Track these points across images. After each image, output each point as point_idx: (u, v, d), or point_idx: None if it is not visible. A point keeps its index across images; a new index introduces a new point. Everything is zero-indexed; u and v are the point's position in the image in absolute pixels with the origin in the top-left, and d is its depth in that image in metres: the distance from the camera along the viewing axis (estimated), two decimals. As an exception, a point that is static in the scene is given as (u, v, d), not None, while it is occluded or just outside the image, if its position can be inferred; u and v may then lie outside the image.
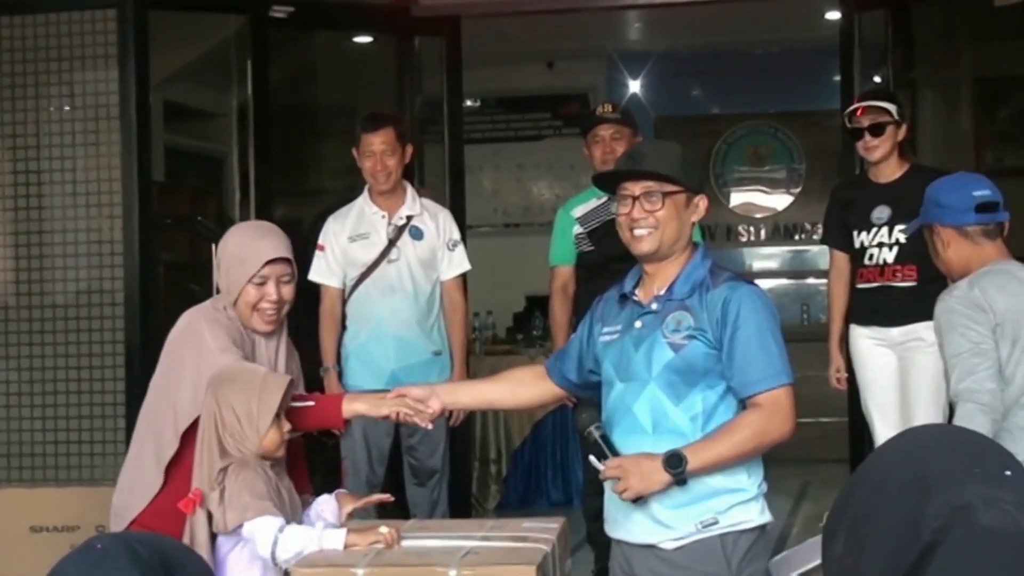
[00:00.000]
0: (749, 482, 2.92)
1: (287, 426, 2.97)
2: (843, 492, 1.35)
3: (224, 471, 2.90)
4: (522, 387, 3.29)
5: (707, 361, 2.88)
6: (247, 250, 3.22)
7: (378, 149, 4.77)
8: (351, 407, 3.24)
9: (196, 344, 3.17)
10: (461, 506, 6.06)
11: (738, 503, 2.91)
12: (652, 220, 2.95)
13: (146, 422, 3.28)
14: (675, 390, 2.89)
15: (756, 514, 2.94)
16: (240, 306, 3.22)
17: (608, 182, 3.12)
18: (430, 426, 3.30)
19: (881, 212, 4.71)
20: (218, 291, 3.36)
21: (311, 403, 3.19)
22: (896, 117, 4.71)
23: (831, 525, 1.33)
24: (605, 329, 3.06)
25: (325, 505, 3.12)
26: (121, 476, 3.33)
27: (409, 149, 4.89)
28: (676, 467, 2.81)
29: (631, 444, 2.92)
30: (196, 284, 7.25)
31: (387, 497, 3.28)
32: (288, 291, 3.25)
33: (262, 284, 3.20)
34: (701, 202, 3.03)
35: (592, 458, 2.94)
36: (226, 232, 3.36)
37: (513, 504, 7.13)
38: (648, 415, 2.91)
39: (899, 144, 4.74)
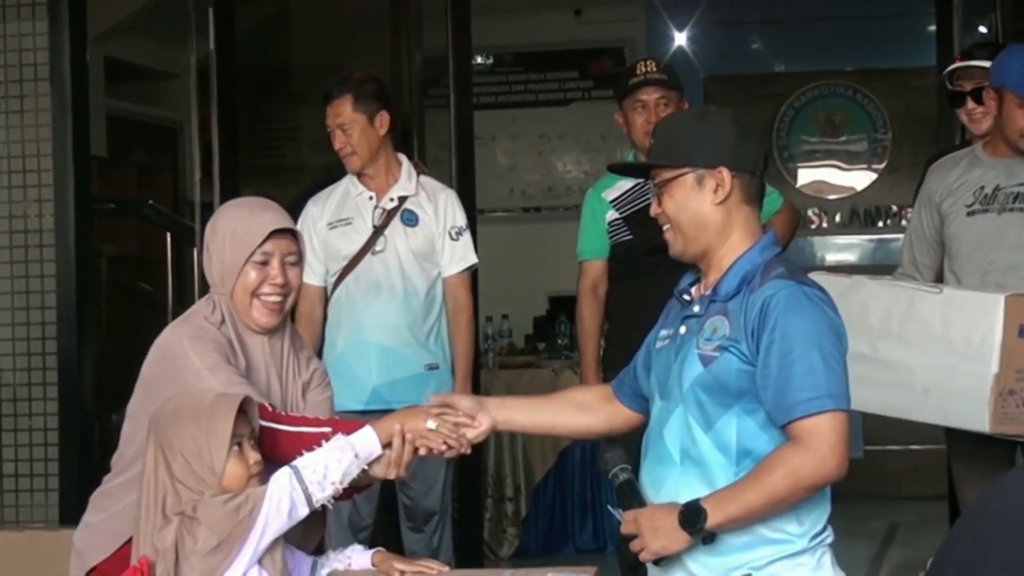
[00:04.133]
0: (799, 531, 2.86)
1: (253, 456, 2.91)
2: (948, 537, 1.34)
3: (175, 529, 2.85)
4: (585, 411, 3.26)
5: (741, 379, 2.84)
6: (244, 225, 3.21)
7: (335, 123, 4.82)
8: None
9: (177, 368, 3.13)
10: (470, 554, 6.03)
11: (781, 557, 2.85)
12: (664, 217, 2.98)
13: (124, 454, 3.25)
14: (705, 413, 2.86)
15: (808, 571, 2.87)
16: (237, 295, 3.20)
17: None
18: (466, 449, 3.12)
19: (987, 193, 4.69)
20: (202, 294, 3.33)
21: (327, 428, 3.09)
22: None
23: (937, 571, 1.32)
24: (662, 332, 3.06)
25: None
26: (88, 512, 3.32)
27: (384, 116, 4.85)
28: (692, 523, 2.78)
29: (659, 476, 2.91)
30: (147, 282, 7.25)
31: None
32: (295, 275, 3.23)
33: (264, 264, 3.18)
34: (718, 175, 2.93)
35: (610, 508, 2.94)
36: (215, 212, 3.35)
37: (533, 551, 7.10)
38: (676, 441, 2.89)
39: None
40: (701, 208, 2.93)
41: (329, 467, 2.86)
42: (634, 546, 2.84)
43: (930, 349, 3.83)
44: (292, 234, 3.23)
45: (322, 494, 2.84)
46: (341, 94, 4.81)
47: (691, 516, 2.77)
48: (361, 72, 4.97)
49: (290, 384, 3.30)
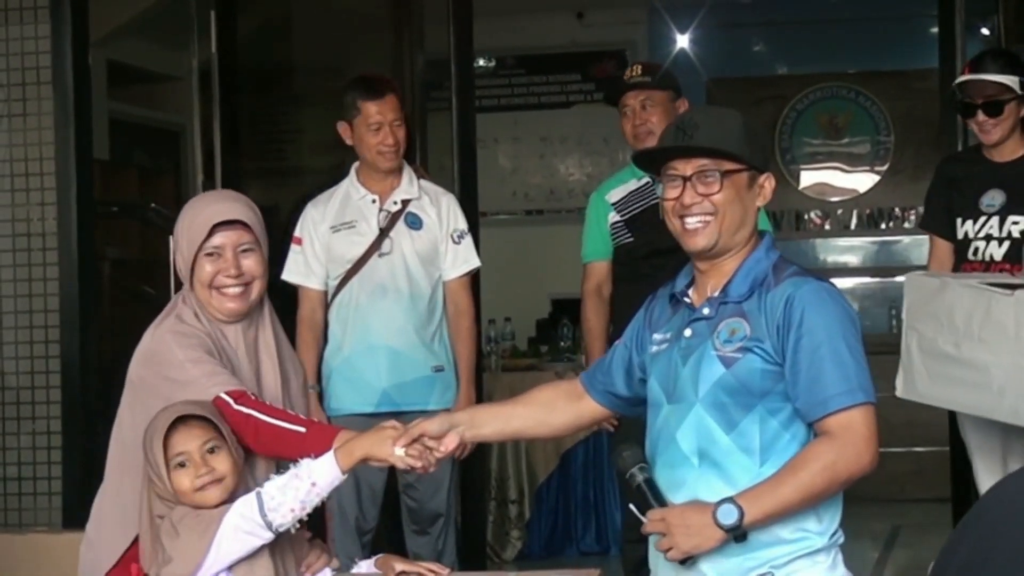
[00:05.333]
0: (819, 529, 2.88)
1: (203, 468, 2.89)
2: (950, 539, 1.33)
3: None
4: (554, 411, 3.23)
5: (765, 380, 2.84)
6: (196, 220, 3.20)
7: (388, 119, 4.80)
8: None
9: (162, 363, 3.14)
10: (474, 557, 6.02)
11: (802, 555, 2.86)
12: (708, 205, 2.91)
13: (117, 462, 3.24)
14: (726, 414, 2.86)
15: (825, 570, 2.88)
16: (197, 288, 3.19)
17: (651, 161, 3.07)
18: (434, 468, 3.18)
19: (993, 198, 4.72)
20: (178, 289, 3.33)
21: (302, 429, 3.08)
22: (1020, 91, 4.73)
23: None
24: (655, 336, 3.04)
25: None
26: (89, 525, 3.30)
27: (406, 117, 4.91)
28: (730, 520, 2.77)
29: (674, 478, 2.90)
30: (149, 285, 7.24)
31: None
32: (252, 263, 3.20)
33: (216, 255, 3.17)
34: (767, 182, 2.99)
35: (633, 507, 2.91)
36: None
37: (537, 554, 7.09)
38: (693, 443, 2.88)
39: (1022, 120, 4.76)
40: (749, 207, 2.95)
41: (286, 494, 2.85)
42: (661, 545, 2.83)
43: (1004, 350, 3.85)
44: (243, 224, 3.20)
45: (281, 520, 2.84)
46: (393, 90, 4.84)
47: (729, 513, 2.77)
48: (383, 74, 5.00)
49: (268, 371, 3.27)
